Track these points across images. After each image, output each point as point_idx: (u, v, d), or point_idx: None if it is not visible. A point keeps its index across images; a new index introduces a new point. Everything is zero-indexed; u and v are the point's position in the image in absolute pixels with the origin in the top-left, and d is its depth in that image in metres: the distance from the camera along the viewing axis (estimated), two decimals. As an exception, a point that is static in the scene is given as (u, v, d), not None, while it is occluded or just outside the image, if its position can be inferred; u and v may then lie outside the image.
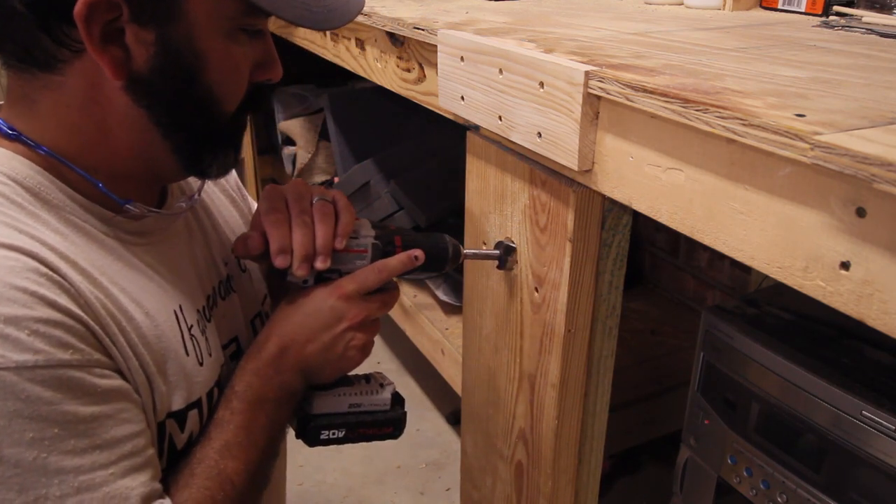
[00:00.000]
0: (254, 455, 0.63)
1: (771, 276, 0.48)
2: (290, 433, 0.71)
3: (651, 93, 0.54)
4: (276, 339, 0.66)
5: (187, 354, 0.61)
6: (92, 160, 0.58)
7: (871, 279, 0.41)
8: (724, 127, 0.48)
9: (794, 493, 0.74)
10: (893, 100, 0.51)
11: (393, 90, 1.06)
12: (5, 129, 0.56)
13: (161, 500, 0.55)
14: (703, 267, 1.55)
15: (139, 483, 0.53)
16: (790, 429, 0.74)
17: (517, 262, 0.80)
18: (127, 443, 0.53)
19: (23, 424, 0.47)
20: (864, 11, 0.97)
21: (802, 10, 1.05)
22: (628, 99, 0.56)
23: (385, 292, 0.70)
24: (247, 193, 0.86)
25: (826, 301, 0.45)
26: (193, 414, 0.62)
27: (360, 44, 1.13)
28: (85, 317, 0.51)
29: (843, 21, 0.95)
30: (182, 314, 0.62)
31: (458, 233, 0.95)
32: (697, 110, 0.50)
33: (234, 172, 0.82)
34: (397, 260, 0.69)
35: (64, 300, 0.50)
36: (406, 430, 0.74)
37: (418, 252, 0.70)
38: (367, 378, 0.73)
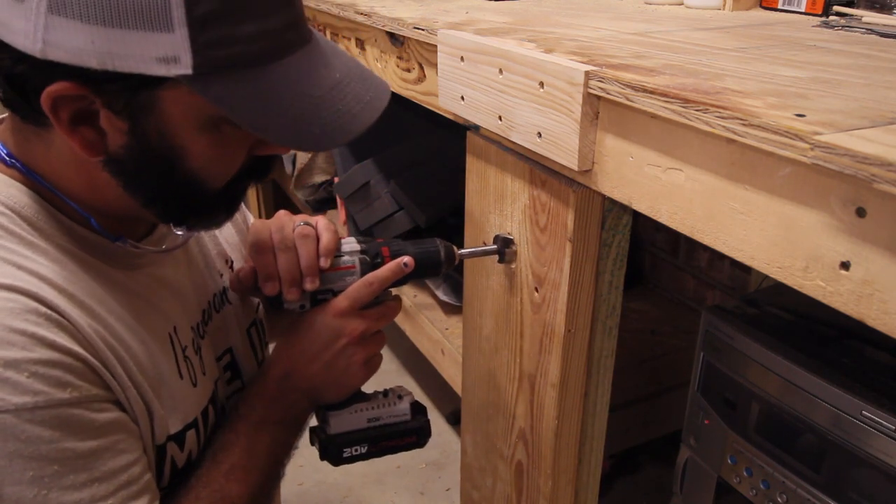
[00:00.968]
0: (257, 478, 0.64)
1: (771, 276, 0.48)
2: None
3: (651, 93, 0.54)
4: (280, 363, 0.67)
5: (181, 377, 0.62)
6: (84, 200, 0.57)
7: (871, 279, 0.41)
8: (724, 127, 0.48)
9: (794, 493, 0.74)
10: (893, 100, 0.51)
11: (393, 90, 1.06)
12: (3, 154, 0.56)
13: None
14: (703, 267, 1.55)
15: None
16: (790, 429, 0.74)
17: (516, 255, 0.80)
18: (124, 472, 0.54)
19: (23, 464, 0.48)
20: (864, 11, 0.97)
21: (802, 10, 1.05)
22: (628, 99, 0.56)
23: (382, 304, 0.71)
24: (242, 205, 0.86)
25: (826, 301, 0.44)
26: (191, 434, 0.63)
27: (361, 44, 1.13)
28: (84, 353, 0.52)
29: (843, 21, 0.95)
30: (177, 335, 0.63)
31: (459, 232, 0.95)
32: (697, 110, 0.50)
33: None
34: (387, 269, 0.70)
35: (63, 339, 0.50)
36: None
37: (407, 259, 0.71)
38: (385, 392, 0.74)
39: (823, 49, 0.75)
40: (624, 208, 0.71)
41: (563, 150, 0.65)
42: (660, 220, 0.58)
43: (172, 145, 0.52)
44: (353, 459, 0.71)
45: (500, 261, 0.81)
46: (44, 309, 0.50)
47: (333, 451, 0.70)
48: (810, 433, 0.72)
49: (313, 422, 0.72)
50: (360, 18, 1.05)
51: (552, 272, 0.74)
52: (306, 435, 0.72)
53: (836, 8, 1.00)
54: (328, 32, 1.25)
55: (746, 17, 1.04)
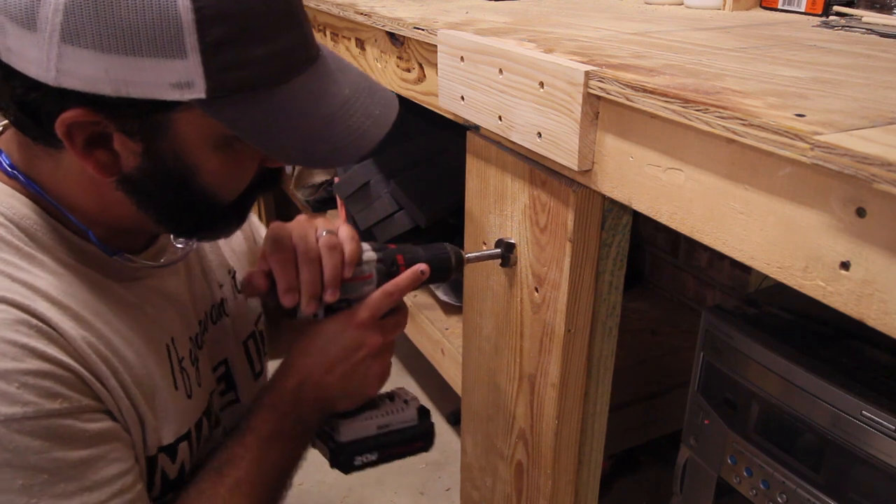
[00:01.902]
0: (263, 491, 0.64)
1: (771, 276, 0.48)
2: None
3: (651, 93, 0.54)
4: (295, 373, 0.67)
5: (176, 389, 0.62)
6: (89, 215, 0.57)
7: (871, 279, 0.41)
8: (724, 127, 0.48)
9: (794, 493, 0.74)
10: (893, 100, 0.51)
11: (393, 90, 1.05)
12: (5, 165, 0.56)
13: None
14: (703, 267, 1.55)
15: None
16: (790, 429, 0.74)
17: (518, 258, 0.80)
18: (116, 482, 0.54)
19: (12, 473, 0.48)
20: (864, 11, 0.97)
21: (802, 10, 1.05)
22: (628, 99, 0.56)
23: (397, 312, 0.71)
24: (256, 222, 0.85)
25: (826, 301, 0.44)
26: (184, 446, 0.63)
27: (360, 44, 1.13)
28: (75, 364, 0.52)
29: (843, 21, 0.95)
30: (174, 346, 0.63)
31: (459, 232, 0.95)
32: (697, 110, 0.50)
33: None
34: (405, 279, 0.69)
35: (53, 350, 0.51)
36: None
37: (423, 266, 0.71)
38: (391, 396, 0.74)
39: (823, 49, 0.75)
40: (624, 208, 0.71)
41: (563, 150, 0.65)
42: (660, 220, 0.58)
43: (186, 164, 0.53)
44: (363, 467, 0.71)
45: (504, 264, 0.81)
46: (34, 321, 0.50)
47: (345, 459, 0.70)
48: (810, 433, 0.72)
49: None
50: (359, 18, 1.05)
51: (552, 272, 0.74)
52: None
53: (836, 8, 1.00)
54: (328, 32, 1.25)
55: (746, 17, 1.04)
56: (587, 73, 0.60)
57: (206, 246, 0.74)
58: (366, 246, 0.71)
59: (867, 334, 0.74)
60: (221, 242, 0.76)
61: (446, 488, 1.63)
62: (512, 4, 1.15)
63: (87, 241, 0.58)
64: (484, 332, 0.91)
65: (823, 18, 1.00)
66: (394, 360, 0.73)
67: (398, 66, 1.01)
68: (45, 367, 0.50)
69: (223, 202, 0.58)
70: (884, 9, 0.96)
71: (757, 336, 0.78)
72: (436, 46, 0.83)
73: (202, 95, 0.49)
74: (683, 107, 0.51)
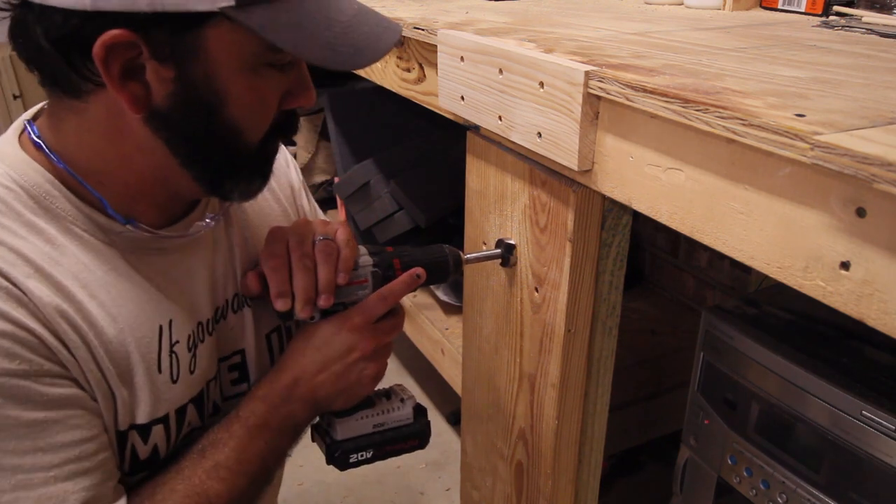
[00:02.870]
0: (241, 481, 0.64)
1: (771, 276, 0.48)
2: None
3: (651, 93, 0.54)
4: (290, 370, 0.67)
5: (160, 371, 0.62)
6: (108, 178, 0.58)
7: (871, 279, 0.41)
8: (724, 127, 0.48)
9: (794, 493, 0.74)
10: (893, 100, 0.51)
11: (393, 90, 1.06)
12: (34, 136, 0.58)
13: None
14: (703, 267, 1.55)
15: (81, 487, 0.55)
16: (790, 429, 0.74)
17: (518, 258, 0.80)
18: (74, 448, 0.55)
19: None
20: (864, 11, 0.97)
21: (802, 10, 1.05)
22: (628, 99, 0.56)
23: (393, 316, 0.71)
24: (305, 200, 0.84)
25: (826, 301, 0.44)
26: (158, 429, 0.62)
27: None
28: (40, 329, 0.53)
29: (843, 21, 0.95)
30: (169, 329, 0.62)
31: (459, 232, 0.95)
32: (697, 110, 0.50)
33: (294, 177, 0.81)
34: (401, 283, 0.70)
35: (19, 313, 0.52)
36: None
37: (419, 270, 0.71)
38: (388, 394, 0.75)
39: (823, 49, 0.75)
40: (624, 208, 0.71)
41: (563, 150, 0.65)
42: (660, 220, 0.58)
43: (216, 89, 0.54)
44: (358, 464, 0.72)
45: (504, 265, 0.82)
46: (5, 283, 0.52)
47: (341, 456, 0.71)
48: (810, 433, 0.72)
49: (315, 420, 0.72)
50: (360, 18, 1.05)
51: (552, 272, 0.74)
52: (307, 434, 0.73)
53: (836, 8, 1.00)
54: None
55: (746, 17, 1.05)
56: (587, 73, 0.60)
57: (238, 236, 0.72)
58: (363, 249, 0.71)
59: (867, 334, 0.74)
60: (259, 233, 0.76)
61: (446, 488, 1.63)
62: (512, 4, 1.15)
63: (102, 214, 0.58)
64: (484, 332, 0.91)
65: (823, 18, 1.00)
66: (394, 360, 0.73)
67: (398, 66, 1.01)
68: (7, 328, 0.51)
69: (248, 142, 0.59)
70: (884, 9, 0.96)
71: (757, 336, 0.78)
72: (436, 46, 0.83)
73: (231, 3, 0.50)
74: (683, 107, 0.51)
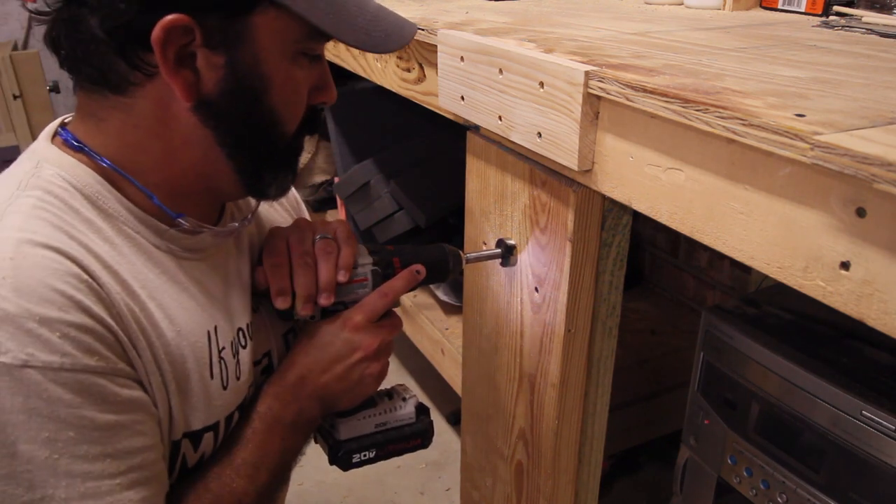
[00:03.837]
0: (264, 477, 0.64)
1: (771, 276, 0.48)
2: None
3: (651, 93, 0.54)
4: (296, 368, 0.68)
5: (212, 377, 0.62)
6: (152, 177, 0.59)
7: (871, 279, 0.41)
8: (724, 127, 0.48)
9: (794, 493, 0.74)
10: (893, 100, 0.51)
11: (393, 90, 1.06)
12: (72, 140, 0.58)
13: None
14: (703, 267, 1.55)
15: (141, 497, 0.54)
16: (790, 429, 0.74)
17: (518, 258, 0.80)
18: (138, 455, 0.54)
19: (40, 423, 0.48)
20: (864, 11, 0.97)
21: (802, 10, 1.05)
22: (628, 99, 0.56)
23: (393, 314, 0.72)
24: (304, 208, 0.86)
25: (826, 301, 0.44)
26: (209, 436, 0.63)
27: (342, 42, 1.13)
28: (115, 326, 0.53)
29: (843, 21, 0.95)
30: (216, 335, 0.63)
31: (459, 232, 0.95)
32: (697, 110, 0.50)
33: (292, 188, 0.82)
34: (401, 280, 0.71)
35: (98, 308, 0.52)
36: None
37: (419, 267, 0.72)
38: (390, 394, 0.75)
39: (823, 49, 0.75)
40: (624, 208, 0.71)
41: (563, 150, 0.65)
42: (660, 220, 0.58)
43: (262, 75, 0.57)
44: (361, 464, 0.72)
45: (504, 264, 0.82)
46: (85, 276, 0.52)
47: (343, 456, 0.71)
48: (810, 433, 0.72)
49: None
50: (360, 18, 1.05)
51: (552, 272, 0.74)
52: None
53: (836, 8, 1.00)
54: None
55: (746, 17, 1.04)
56: (587, 73, 0.60)
57: (257, 241, 0.73)
58: (362, 248, 0.71)
59: (867, 334, 0.74)
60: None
61: (446, 488, 1.63)
62: (512, 4, 1.15)
63: (149, 213, 0.59)
64: (484, 332, 0.91)
65: (823, 18, 1.00)
66: (394, 360, 0.73)
67: (398, 66, 1.01)
68: (88, 323, 0.51)
69: (285, 132, 0.61)
70: (884, 9, 0.96)
71: (757, 336, 0.78)
72: (436, 46, 0.83)
73: None
74: (683, 107, 0.51)
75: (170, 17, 0.52)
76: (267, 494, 0.65)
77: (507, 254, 0.80)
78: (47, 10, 0.55)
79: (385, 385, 0.75)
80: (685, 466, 0.91)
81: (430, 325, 1.40)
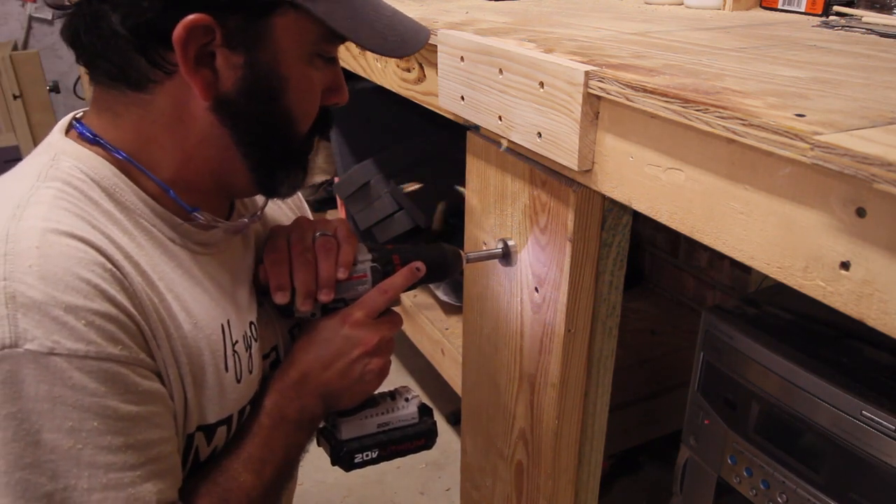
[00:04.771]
0: (270, 472, 0.64)
1: (771, 276, 0.48)
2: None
3: (651, 93, 0.54)
4: (297, 365, 0.68)
5: (227, 370, 0.62)
6: (166, 172, 0.59)
7: (871, 279, 0.41)
8: (724, 127, 0.48)
9: (794, 493, 0.74)
10: (893, 100, 0.51)
11: (393, 90, 1.06)
12: (87, 133, 0.59)
13: None
14: (703, 267, 1.55)
15: (159, 490, 0.54)
16: (790, 429, 0.74)
17: (518, 258, 0.80)
18: (155, 447, 0.54)
19: (65, 412, 0.49)
20: (864, 11, 0.97)
21: (802, 10, 1.05)
22: (628, 99, 0.56)
23: (393, 311, 0.72)
24: (307, 208, 0.87)
25: (826, 301, 0.44)
26: (222, 430, 0.63)
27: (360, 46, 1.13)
28: (138, 316, 0.53)
29: (843, 21, 0.95)
30: (229, 329, 0.63)
31: (459, 232, 0.95)
32: (697, 110, 0.50)
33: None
34: (400, 276, 0.71)
35: (122, 297, 0.52)
36: None
37: (419, 263, 0.72)
38: (392, 395, 0.75)
39: (823, 49, 0.75)
40: (624, 208, 0.71)
41: (563, 150, 0.65)
42: (660, 220, 0.58)
43: (279, 75, 0.58)
44: (364, 464, 0.72)
45: (504, 264, 0.82)
46: (109, 265, 0.52)
47: (346, 456, 0.71)
48: (810, 433, 0.72)
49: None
50: (360, 18, 1.05)
51: (552, 272, 0.74)
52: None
53: (836, 8, 1.00)
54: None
55: (746, 17, 1.05)
56: (587, 73, 0.60)
57: (263, 238, 0.74)
58: (362, 246, 0.71)
59: (867, 334, 0.74)
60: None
61: (446, 488, 1.63)
62: (512, 4, 1.15)
63: (165, 207, 0.59)
64: (484, 332, 0.91)
65: (823, 18, 1.00)
66: (394, 360, 0.73)
67: (398, 66, 1.01)
68: (113, 312, 0.51)
69: (299, 131, 0.62)
70: (884, 9, 0.96)
71: (757, 336, 0.78)
72: (436, 46, 0.83)
73: None
74: (683, 107, 0.51)
75: (192, 17, 0.52)
76: (274, 491, 0.65)
77: (507, 254, 0.80)
78: (67, 4, 0.56)
79: (388, 387, 0.75)
80: (685, 466, 0.91)
81: (430, 325, 1.40)
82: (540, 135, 0.67)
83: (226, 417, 0.63)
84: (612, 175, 0.62)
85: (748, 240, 0.50)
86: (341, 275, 0.68)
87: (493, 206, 0.83)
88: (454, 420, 1.80)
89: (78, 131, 0.59)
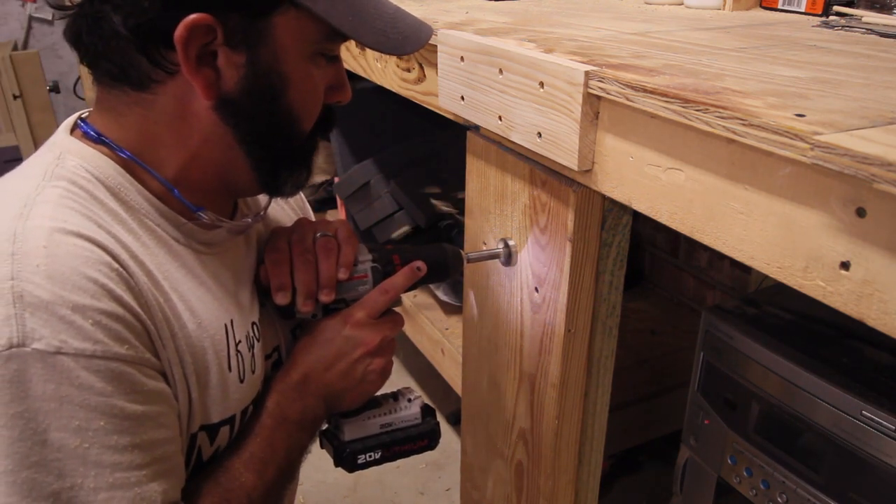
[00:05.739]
0: (272, 472, 0.64)
1: (771, 276, 0.48)
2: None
3: (651, 93, 0.54)
4: (299, 366, 0.68)
5: (230, 370, 0.62)
6: (169, 171, 0.59)
7: (871, 279, 0.41)
8: (724, 127, 0.48)
9: (794, 493, 0.74)
10: (893, 100, 0.51)
11: (393, 90, 1.06)
12: (92, 133, 0.59)
13: None
14: (703, 267, 1.55)
15: (164, 489, 0.54)
16: (790, 429, 0.74)
17: (518, 258, 0.80)
18: (160, 447, 0.54)
19: (72, 411, 0.49)
20: (864, 11, 0.97)
21: (802, 10, 1.05)
22: (628, 99, 0.56)
23: (394, 311, 0.72)
24: (309, 208, 0.87)
25: (826, 301, 0.44)
26: (225, 429, 0.63)
27: (361, 44, 1.13)
28: (143, 316, 0.53)
29: (843, 21, 0.95)
30: (232, 328, 0.63)
31: (459, 233, 0.95)
32: (697, 110, 0.50)
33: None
34: (401, 276, 0.71)
35: (128, 297, 0.52)
36: None
37: (419, 263, 0.72)
38: (395, 396, 0.75)
39: (823, 49, 0.75)
40: (624, 208, 0.71)
41: (563, 150, 0.65)
42: (660, 220, 0.58)
43: (281, 74, 0.58)
44: (367, 465, 0.72)
45: (504, 264, 0.82)
46: (115, 265, 0.52)
47: (349, 457, 0.71)
48: (810, 433, 0.72)
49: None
50: (360, 18, 1.05)
51: (552, 272, 0.74)
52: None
53: (836, 8, 1.00)
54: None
55: (746, 17, 1.04)
56: (587, 73, 0.60)
57: (265, 239, 0.74)
58: (363, 247, 0.71)
59: (867, 334, 0.74)
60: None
61: (446, 488, 1.63)
62: (512, 4, 1.15)
63: (169, 206, 0.59)
64: (484, 332, 0.91)
65: (823, 18, 1.00)
66: (394, 360, 0.73)
67: (398, 66, 1.01)
68: (119, 311, 0.51)
69: (302, 130, 0.62)
70: (884, 9, 0.96)
71: (757, 336, 0.78)
72: (436, 46, 0.83)
73: None
74: (683, 107, 0.51)
75: (193, 16, 0.52)
76: (275, 491, 0.65)
77: (507, 253, 0.80)
78: (69, 5, 0.56)
79: (390, 388, 0.75)
80: (685, 466, 0.91)
81: (430, 325, 1.40)
82: (540, 135, 0.67)
83: (229, 417, 0.63)
84: (612, 175, 0.62)
85: (748, 240, 0.50)
86: (342, 275, 0.68)
87: (494, 206, 0.83)
88: (454, 420, 1.80)
89: (83, 131, 0.59)
